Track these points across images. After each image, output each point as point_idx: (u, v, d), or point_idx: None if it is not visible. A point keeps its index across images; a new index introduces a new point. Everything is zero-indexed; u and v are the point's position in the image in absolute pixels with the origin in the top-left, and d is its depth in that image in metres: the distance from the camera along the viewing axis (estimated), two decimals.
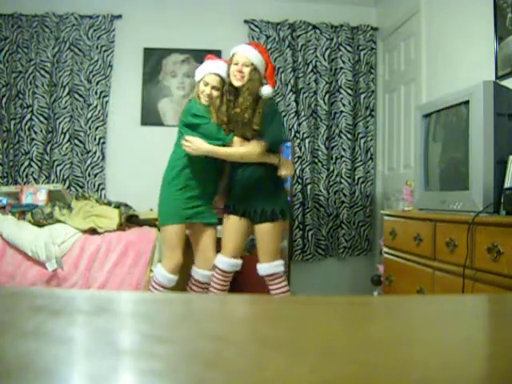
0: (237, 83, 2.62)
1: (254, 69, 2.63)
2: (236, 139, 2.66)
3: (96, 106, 4.22)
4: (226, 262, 2.78)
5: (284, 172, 2.72)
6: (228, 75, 2.67)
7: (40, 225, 3.16)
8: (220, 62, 2.80)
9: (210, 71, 2.74)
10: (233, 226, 2.79)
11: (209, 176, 2.76)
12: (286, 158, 2.91)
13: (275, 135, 2.70)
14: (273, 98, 2.76)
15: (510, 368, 0.35)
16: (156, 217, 3.54)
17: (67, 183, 4.17)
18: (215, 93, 2.71)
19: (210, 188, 2.78)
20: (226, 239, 2.81)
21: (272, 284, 2.77)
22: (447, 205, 2.30)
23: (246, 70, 2.62)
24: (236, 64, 2.63)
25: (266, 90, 2.66)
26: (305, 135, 4.31)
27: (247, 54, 2.64)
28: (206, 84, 2.72)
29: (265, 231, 2.72)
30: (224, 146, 2.66)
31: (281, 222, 2.76)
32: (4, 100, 4.15)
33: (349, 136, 4.38)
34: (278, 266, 2.76)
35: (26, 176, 4.15)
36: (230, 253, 2.78)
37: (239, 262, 2.82)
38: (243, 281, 3.11)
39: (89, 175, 4.20)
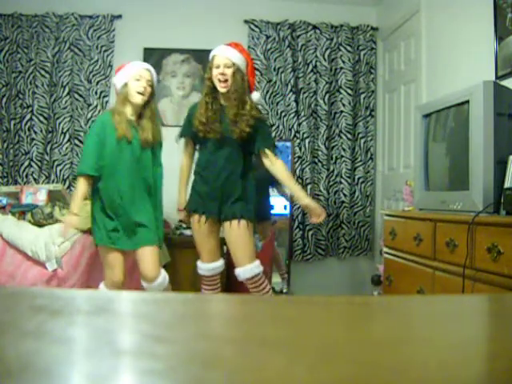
0: (222, 89, 2.56)
1: (237, 69, 2.56)
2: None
3: (96, 106, 4.22)
4: (204, 267, 2.73)
5: (315, 220, 2.64)
6: (208, 79, 2.60)
7: (40, 225, 3.16)
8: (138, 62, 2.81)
9: (142, 67, 2.71)
10: (202, 228, 2.69)
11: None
12: (316, 204, 2.71)
13: (270, 143, 2.67)
14: (258, 106, 2.73)
15: (510, 368, 0.35)
16: None
17: (67, 183, 4.17)
18: (149, 88, 2.68)
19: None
20: (199, 244, 2.74)
21: (254, 287, 2.67)
22: (447, 205, 2.30)
23: (229, 72, 2.55)
24: (217, 67, 2.57)
25: (256, 96, 2.64)
26: (305, 135, 4.31)
27: (227, 55, 2.58)
28: (140, 78, 2.65)
29: (236, 231, 2.62)
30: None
31: (249, 221, 2.65)
32: (4, 100, 4.15)
33: (349, 136, 4.38)
34: (257, 266, 2.66)
35: (26, 176, 4.15)
36: (205, 258, 2.72)
37: (218, 264, 2.75)
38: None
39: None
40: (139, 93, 2.64)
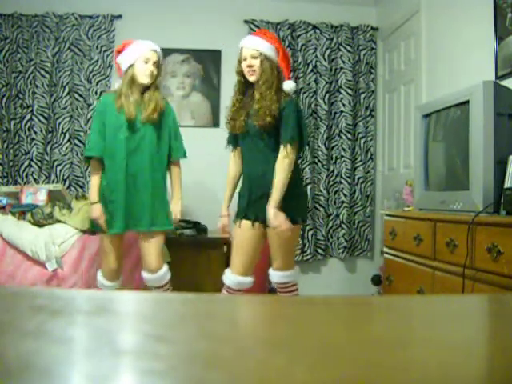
0: (251, 78, 2.45)
1: (265, 58, 2.43)
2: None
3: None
4: (233, 279, 2.52)
5: (274, 224, 2.35)
6: (238, 73, 2.51)
7: (40, 225, 3.16)
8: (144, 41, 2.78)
9: (150, 48, 2.70)
10: (244, 236, 2.50)
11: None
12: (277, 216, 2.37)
13: (294, 135, 2.40)
14: (292, 95, 2.51)
15: (510, 368, 0.35)
16: None
17: (67, 183, 4.17)
18: (155, 70, 2.67)
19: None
20: (235, 252, 2.53)
21: (283, 292, 2.60)
22: (447, 205, 2.30)
23: (256, 63, 2.43)
24: (245, 60, 2.46)
25: (288, 85, 2.46)
26: None
27: (253, 45, 2.46)
28: (147, 61, 2.64)
29: (279, 236, 2.43)
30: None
31: (299, 225, 2.52)
32: (4, 100, 4.15)
33: (349, 136, 4.38)
34: (294, 274, 2.59)
35: (26, 176, 4.15)
36: (238, 269, 2.51)
37: (248, 279, 2.53)
38: None
39: (89, 175, 4.20)
40: (146, 75, 2.64)
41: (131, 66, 2.65)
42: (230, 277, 2.53)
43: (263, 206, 2.38)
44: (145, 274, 2.75)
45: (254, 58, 2.44)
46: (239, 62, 2.50)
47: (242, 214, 2.51)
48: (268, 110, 2.37)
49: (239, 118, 2.48)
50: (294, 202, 2.44)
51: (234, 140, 2.62)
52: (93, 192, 2.67)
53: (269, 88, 2.41)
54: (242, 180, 2.59)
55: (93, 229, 2.77)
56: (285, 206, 2.37)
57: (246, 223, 2.49)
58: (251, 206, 2.48)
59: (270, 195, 2.37)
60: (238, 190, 2.65)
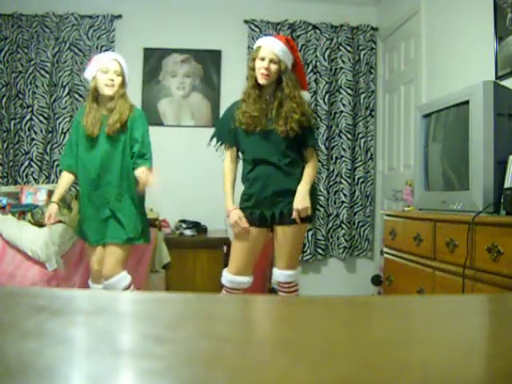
0: (262, 81, 2.38)
1: (286, 68, 2.39)
2: None
3: None
4: (231, 279, 2.51)
5: (302, 205, 2.41)
6: (252, 69, 2.43)
7: (40, 225, 3.15)
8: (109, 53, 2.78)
9: (109, 58, 2.66)
10: (252, 237, 2.47)
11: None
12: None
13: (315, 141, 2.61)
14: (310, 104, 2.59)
15: (510, 368, 0.35)
16: (156, 217, 3.55)
17: None
18: (118, 79, 2.63)
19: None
20: (234, 252, 2.52)
21: (287, 292, 2.58)
22: (447, 205, 2.30)
23: (273, 69, 2.37)
24: (262, 59, 2.38)
25: (307, 96, 2.50)
26: None
27: (275, 49, 2.38)
28: (107, 71, 2.60)
29: (292, 234, 2.45)
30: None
31: (307, 224, 2.53)
32: (4, 100, 4.15)
33: (349, 136, 4.38)
34: (298, 273, 2.59)
35: (26, 176, 4.15)
36: (237, 269, 2.50)
37: (247, 279, 2.52)
38: None
39: None
40: (107, 85, 2.60)
41: (93, 78, 2.63)
42: (228, 277, 2.52)
43: (280, 202, 2.43)
44: (91, 285, 2.83)
45: (273, 62, 2.38)
46: (253, 59, 2.43)
47: (247, 214, 2.48)
48: (295, 119, 2.38)
49: (262, 118, 2.42)
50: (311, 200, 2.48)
51: (233, 137, 2.55)
52: (57, 194, 2.77)
53: (292, 92, 2.39)
54: (248, 180, 2.51)
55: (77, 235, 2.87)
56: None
57: (251, 224, 2.48)
58: (259, 205, 2.46)
59: (279, 194, 2.43)
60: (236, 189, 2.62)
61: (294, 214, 2.41)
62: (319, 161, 4.37)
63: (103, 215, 2.67)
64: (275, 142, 2.43)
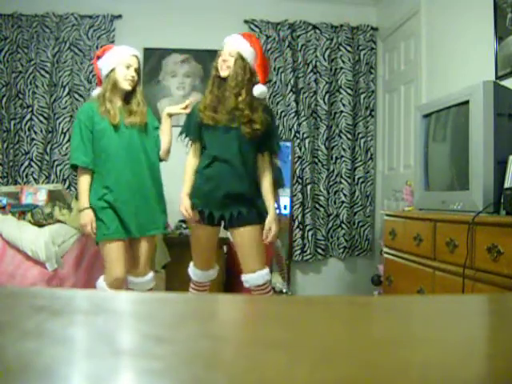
0: (223, 73, 2.50)
1: (240, 57, 2.48)
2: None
3: None
4: (200, 274, 2.66)
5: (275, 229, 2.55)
6: (215, 67, 2.56)
7: (40, 225, 3.15)
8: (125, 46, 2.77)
9: (131, 53, 2.67)
10: (205, 235, 2.58)
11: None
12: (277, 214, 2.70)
13: (279, 145, 2.69)
14: (266, 101, 2.64)
15: (510, 368, 0.35)
16: None
17: (67, 183, 4.17)
18: (136, 76, 2.64)
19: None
20: (197, 249, 2.64)
21: (261, 294, 2.54)
22: (447, 205, 2.30)
23: (231, 60, 2.49)
24: (223, 55, 2.53)
25: (258, 89, 2.48)
26: (305, 135, 4.31)
27: (234, 44, 2.52)
28: (129, 66, 2.61)
29: (248, 233, 2.50)
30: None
31: (262, 225, 2.55)
32: (4, 100, 4.15)
33: (349, 136, 4.38)
34: (268, 273, 2.57)
35: (26, 176, 4.15)
36: (202, 264, 2.64)
37: (214, 271, 2.70)
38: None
39: None
40: (127, 80, 2.61)
41: (112, 70, 2.61)
42: (195, 271, 2.67)
43: (230, 204, 2.49)
44: (130, 278, 2.72)
45: (231, 55, 2.50)
46: (218, 56, 2.56)
47: (204, 212, 2.53)
48: (259, 121, 2.46)
49: (218, 109, 2.50)
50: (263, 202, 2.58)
51: (197, 132, 2.58)
52: (84, 198, 2.58)
53: (237, 86, 2.46)
54: (203, 175, 2.54)
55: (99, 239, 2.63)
56: (260, 201, 2.55)
57: (205, 224, 2.56)
58: (209, 205, 2.51)
59: (230, 197, 2.48)
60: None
61: (264, 234, 2.53)
62: (319, 161, 4.38)
63: (143, 203, 2.61)
64: (234, 140, 2.48)
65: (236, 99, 2.46)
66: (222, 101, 2.51)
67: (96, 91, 2.73)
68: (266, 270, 2.55)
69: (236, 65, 2.48)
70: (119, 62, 2.61)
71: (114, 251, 2.57)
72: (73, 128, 2.75)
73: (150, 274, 2.75)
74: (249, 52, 2.52)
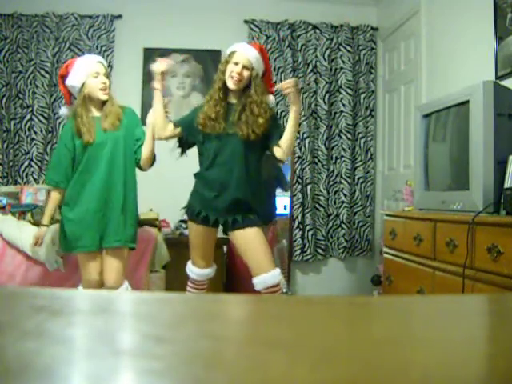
0: (233, 86, 2.42)
1: (256, 75, 2.43)
2: None
3: None
4: (198, 272, 2.67)
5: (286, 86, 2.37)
6: (222, 73, 2.46)
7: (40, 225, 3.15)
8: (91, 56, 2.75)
9: (96, 61, 2.64)
10: (202, 236, 2.59)
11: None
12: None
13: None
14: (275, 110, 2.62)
15: (510, 368, 0.35)
16: (156, 217, 3.55)
17: None
18: (107, 81, 2.62)
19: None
20: (195, 248, 2.64)
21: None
22: (447, 205, 2.30)
23: (246, 75, 2.41)
24: (236, 64, 2.41)
25: (271, 100, 2.55)
26: (305, 135, 4.31)
27: (249, 56, 2.43)
28: (97, 75, 2.58)
29: (251, 234, 2.46)
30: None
31: (264, 226, 2.56)
32: (4, 100, 4.15)
33: (349, 136, 4.38)
34: (280, 273, 2.50)
35: (26, 176, 4.15)
36: (200, 262, 2.66)
37: (212, 270, 2.70)
38: (242, 281, 3.10)
39: None
40: (102, 89, 2.59)
41: (83, 84, 2.59)
42: (194, 270, 2.68)
43: (232, 210, 2.46)
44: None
45: (246, 68, 2.42)
46: (226, 62, 2.46)
47: (192, 212, 2.55)
48: (259, 123, 2.42)
49: (221, 121, 2.45)
50: (269, 203, 2.60)
51: (186, 124, 2.57)
52: (48, 216, 2.68)
53: (259, 107, 2.42)
54: (204, 179, 2.54)
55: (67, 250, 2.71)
56: (261, 205, 2.53)
57: (203, 226, 2.55)
58: (210, 210, 2.50)
59: (233, 204, 2.46)
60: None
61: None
62: (319, 161, 4.38)
63: (111, 214, 2.61)
64: (234, 146, 2.46)
65: (257, 120, 2.42)
66: (229, 112, 2.47)
67: (63, 110, 2.76)
68: (278, 270, 2.50)
69: (255, 84, 2.42)
70: (87, 73, 2.58)
71: (84, 260, 2.67)
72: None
73: (124, 286, 2.70)
74: (261, 67, 2.49)
